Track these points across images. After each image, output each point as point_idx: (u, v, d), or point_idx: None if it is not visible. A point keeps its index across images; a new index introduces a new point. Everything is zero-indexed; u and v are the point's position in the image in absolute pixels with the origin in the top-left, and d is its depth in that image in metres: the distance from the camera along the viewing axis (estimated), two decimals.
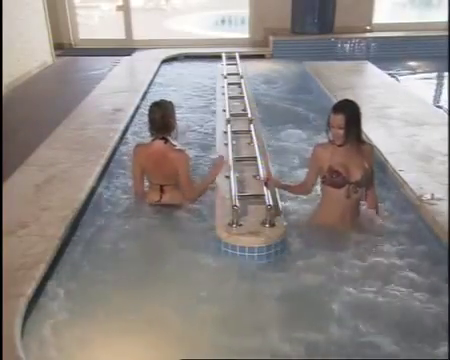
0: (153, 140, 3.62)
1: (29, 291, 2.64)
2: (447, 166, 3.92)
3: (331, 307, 2.67)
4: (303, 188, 3.50)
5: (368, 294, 2.76)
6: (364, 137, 3.54)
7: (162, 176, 3.62)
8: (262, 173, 3.64)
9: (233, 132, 4.54)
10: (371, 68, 7.82)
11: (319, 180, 3.35)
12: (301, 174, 4.14)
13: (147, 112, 3.65)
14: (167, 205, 3.66)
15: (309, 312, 2.67)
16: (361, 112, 3.15)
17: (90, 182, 3.93)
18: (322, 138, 4.91)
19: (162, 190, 3.65)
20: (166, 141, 3.58)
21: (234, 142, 4.37)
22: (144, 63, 8.66)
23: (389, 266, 3.00)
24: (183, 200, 3.66)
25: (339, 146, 3.13)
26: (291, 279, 2.91)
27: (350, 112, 3.08)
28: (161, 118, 3.53)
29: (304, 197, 3.67)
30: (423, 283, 2.84)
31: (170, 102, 3.69)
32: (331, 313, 2.64)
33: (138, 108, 6.11)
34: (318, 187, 3.47)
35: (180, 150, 3.63)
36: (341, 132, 3.06)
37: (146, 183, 3.80)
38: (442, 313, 2.59)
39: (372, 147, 3.46)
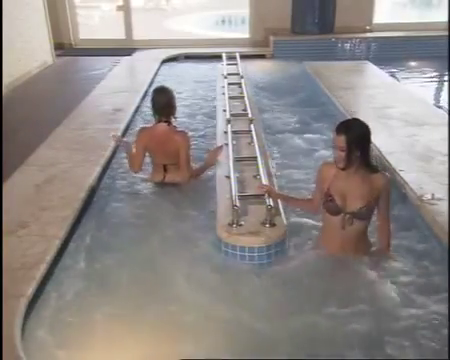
0: (157, 123, 3.93)
1: (29, 291, 2.64)
2: (447, 166, 3.92)
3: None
4: (310, 205, 3.18)
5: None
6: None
7: (165, 156, 3.93)
8: (263, 180, 3.57)
9: (233, 132, 4.54)
10: (371, 68, 7.83)
11: None
12: (297, 178, 4.16)
13: (151, 96, 3.97)
14: (170, 183, 3.98)
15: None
16: (370, 134, 2.78)
17: (90, 182, 3.93)
18: (322, 139, 5.01)
19: (165, 170, 3.98)
20: (169, 124, 3.91)
21: (234, 142, 4.37)
22: (144, 63, 8.66)
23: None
24: (182, 178, 3.95)
25: (342, 169, 2.81)
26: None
27: (354, 133, 2.72)
28: (166, 102, 3.89)
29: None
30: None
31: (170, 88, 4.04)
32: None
33: (138, 108, 6.12)
34: None
35: (182, 131, 4.03)
36: (342, 154, 2.73)
37: (146, 165, 4.12)
38: None
39: (386, 178, 2.92)
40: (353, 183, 2.82)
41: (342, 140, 2.70)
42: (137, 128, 4.95)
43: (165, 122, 3.90)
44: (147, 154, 4.05)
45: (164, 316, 2.66)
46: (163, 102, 3.88)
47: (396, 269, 2.96)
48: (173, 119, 3.96)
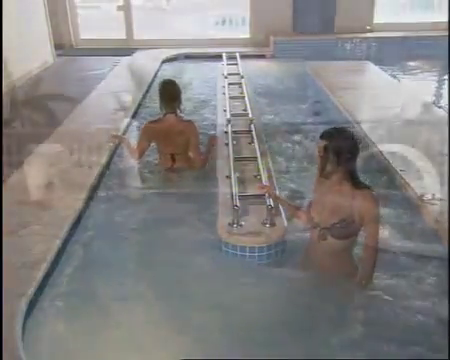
0: (164, 115, 4.04)
1: (30, 291, 2.65)
2: (447, 166, 3.92)
3: None
4: (304, 216, 2.88)
5: None
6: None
7: (174, 146, 4.04)
8: (263, 180, 3.58)
9: (234, 132, 4.55)
10: (372, 68, 7.84)
11: None
12: (293, 179, 4.16)
13: (159, 89, 4.08)
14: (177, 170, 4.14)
15: None
16: (356, 146, 2.56)
17: (92, 181, 3.94)
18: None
19: (173, 159, 4.08)
20: (176, 115, 4.03)
21: (234, 142, 4.37)
22: (145, 63, 8.66)
23: None
24: (193, 166, 4.11)
25: (321, 177, 2.64)
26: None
27: (335, 142, 2.51)
28: (175, 94, 4.02)
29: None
30: None
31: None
32: None
33: (139, 108, 6.12)
34: None
35: (190, 121, 4.17)
36: (319, 160, 2.58)
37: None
38: None
39: (370, 197, 2.55)
40: (332, 195, 2.61)
41: (321, 146, 2.55)
42: (137, 127, 4.99)
43: (172, 113, 4.00)
44: (153, 144, 4.19)
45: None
46: (172, 94, 4.01)
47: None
48: (178, 111, 4.07)
